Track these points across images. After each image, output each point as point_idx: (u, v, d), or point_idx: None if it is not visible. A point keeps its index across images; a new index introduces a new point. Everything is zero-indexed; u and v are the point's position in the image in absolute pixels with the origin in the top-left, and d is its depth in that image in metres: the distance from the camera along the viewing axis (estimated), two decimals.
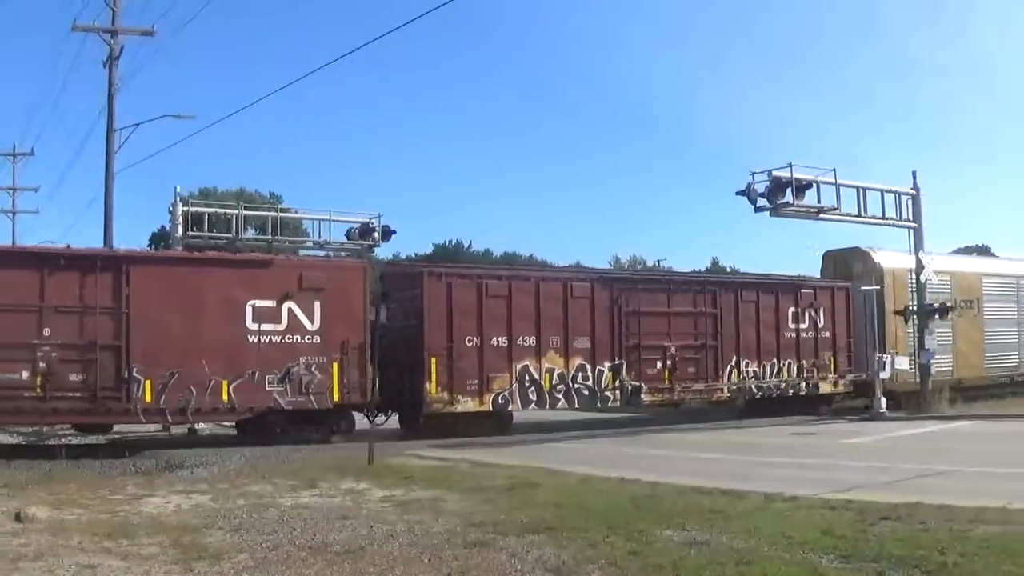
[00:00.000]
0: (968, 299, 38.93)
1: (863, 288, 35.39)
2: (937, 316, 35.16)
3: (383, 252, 40.06)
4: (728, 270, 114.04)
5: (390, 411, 28.75)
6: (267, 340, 26.02)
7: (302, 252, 40.68)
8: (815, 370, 34.70)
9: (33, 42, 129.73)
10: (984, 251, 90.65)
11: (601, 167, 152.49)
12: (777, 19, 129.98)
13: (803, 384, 34.41)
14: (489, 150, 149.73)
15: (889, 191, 34.33)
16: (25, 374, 23.41)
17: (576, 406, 30.48)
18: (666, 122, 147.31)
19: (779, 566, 9.84)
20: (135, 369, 24.41)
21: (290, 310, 26.35)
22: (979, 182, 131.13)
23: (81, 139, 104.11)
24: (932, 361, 34.77)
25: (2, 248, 28.46)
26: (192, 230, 36.99)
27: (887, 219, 34.30)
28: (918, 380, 34.81)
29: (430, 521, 13.20)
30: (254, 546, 11.53)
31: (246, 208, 40.95)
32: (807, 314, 34.78)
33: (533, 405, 29.62)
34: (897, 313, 35.52)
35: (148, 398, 24.60)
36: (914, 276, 35.44)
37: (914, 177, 35.13)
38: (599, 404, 31.22)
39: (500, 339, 28.98)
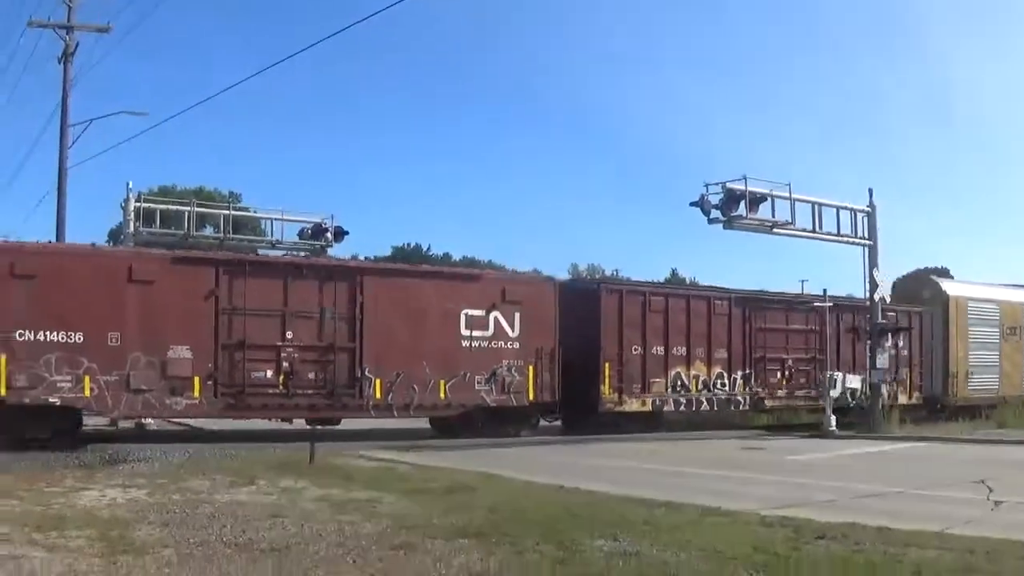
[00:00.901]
0: (1013, 326, 43.27)
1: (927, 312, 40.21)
2: (890, 336, 35.80)
3: (337, 252, 39.98)
4: (687, 281, 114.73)
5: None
6: (477, 345, 29.67)
7: (260, 251, 40.60)
8: (895, 384, 38.40)
9: None
10: (943, 273, 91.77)
11: (558, 176, 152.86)
12: (733, 37, 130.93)
13: (887, 396, 36.71)
14: (447, 155, 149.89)
15: (845, 208, 34.61)
16: (270, 373, 26.74)
17: (714, 408, 34.54)
18: (622, 135, 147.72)
19: None
20: (367, 369, 27.91)
21: (496, 319, 29.98)
22: (936, 205, 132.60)
23: (36, 135, 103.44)
24: (881, 381, 35.49)
25: (254, 258, 31.57)
26: (149, 226, 36.89)
27: (842, 236, 34.55)
28: (993, 395, 38.87)
29: (361, 522, 13.23)
30: (181, 541, 11.54)
31: (199, 205, 40.81)
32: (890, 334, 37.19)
33: (683, 407, 33.75)
34: (848, 332, 36.71)
35: (378, 395, 28.12)
36: (971, 303, 36.98)
37: (870, 195, 35.47)
38: (732, 408, 35.27)
39: (658, 348, 33.07)
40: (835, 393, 33.61)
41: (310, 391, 27.29)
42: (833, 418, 33.36)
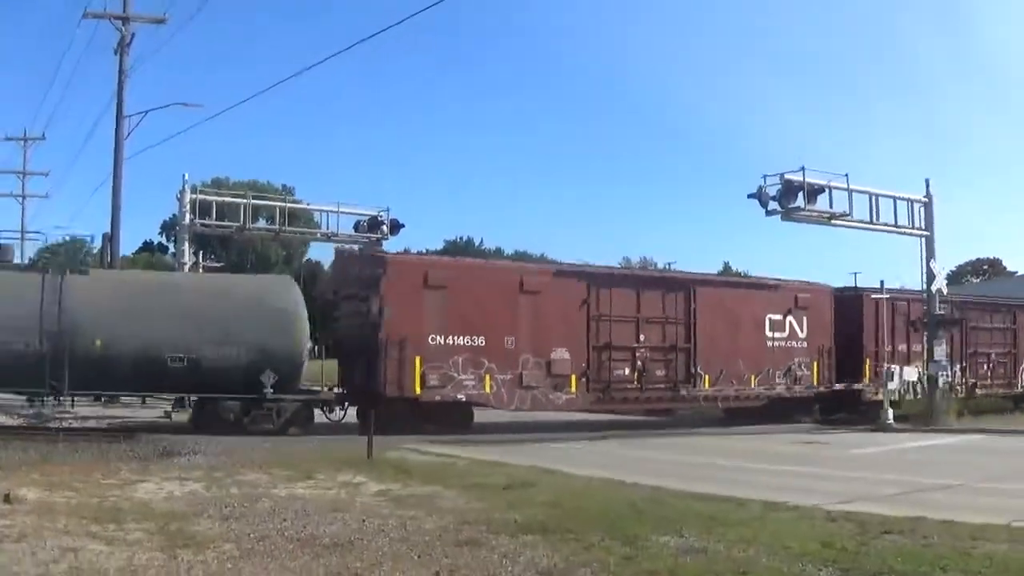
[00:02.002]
0: None
1: None
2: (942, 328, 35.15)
3: (392, 245, 39.85)
4: (740, 274, 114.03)
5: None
6: (777, 345, 33.85)
7: (311, 244, 40.56)
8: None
9: (45, 28, 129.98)
10: (995, 264, 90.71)
11: (610, 168, 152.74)
12: (792, 26, 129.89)
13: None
14: (499, 148, 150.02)
15: (902, 198, 34.09)
16: (627, 370, 30.95)
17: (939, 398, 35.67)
18: (678, 125, 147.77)
19: None
20: (699, 366, 32.00)
21: (790, 322, 34.08)
22: (992, 195, 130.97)
23: (91, 126, 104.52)
24: (939, 373, 34.69)
25: (617, 271, 35.83)
26: (204, 219, 36.88)
27: (899, 227, 34.04)
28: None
29: (423, 517, 12.98)
30: (241, 536, 11.33)
31: (255, 198, 40.68)
32: None
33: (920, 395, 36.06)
34: (911, 324, 35.99)
35: (707, 388, 32.20)
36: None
37: (927, 185, 34.90)
38: (953, 395, 36.71)
39: (901, 345, 36.60)
40: (893, 385, 33.84)
41: (660, 385, 31.68)
42: (891, 411, 33.24)
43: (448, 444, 23.84)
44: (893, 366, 34.19)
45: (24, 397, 27.30)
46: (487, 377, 28.22)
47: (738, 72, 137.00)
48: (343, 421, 27.93)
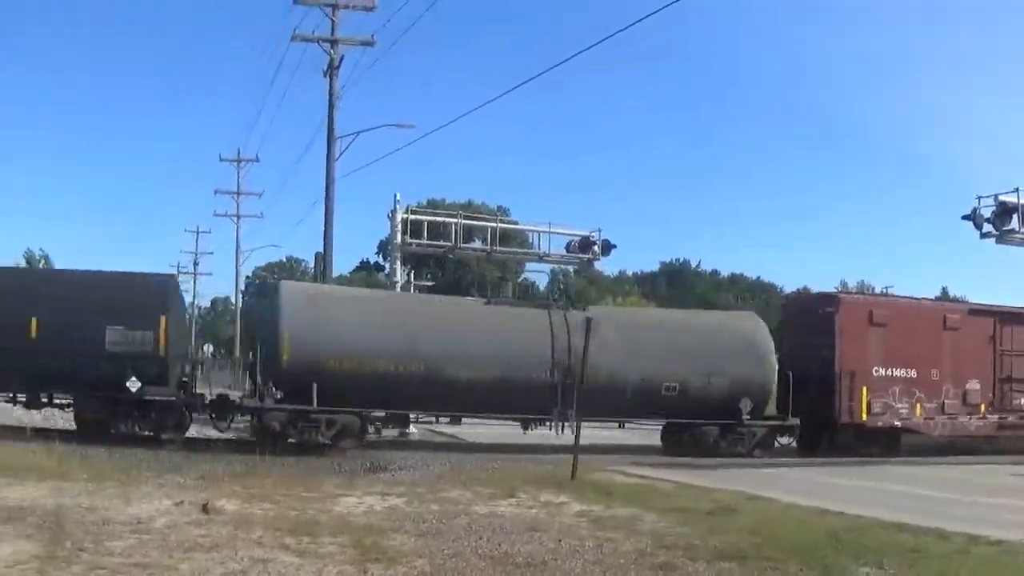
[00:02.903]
0: None
1: None
2: None
3: (605, 266, 39.63)
4: (958, 299, 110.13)
5: None
6: None
7: (526, 264, 40.60)
8: None
9: (258, 51, 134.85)
10: None
11: (830, 194, 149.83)
12: (1008, 40, 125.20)
13: None
14: (715, 172, 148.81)
15: None
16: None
17: None
18: (896, 147, 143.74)
19: None
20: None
21: None
22: None
23: (303, 147, 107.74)
24: None
25: (1016, 310, 33.85)
26: (417, 238, 37.24)
27: None
28: None
29: (621, 540, 12.61)
30: (435, 552, 11.18)
31: (465, 217, 40.85)
32: None
33: None
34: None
35: None
36: None
37: None
38: None
39: None
40: None
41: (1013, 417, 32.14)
42: None
43: (654, 467, 23.36)
44: None
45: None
46: (917, 405, 30.56)
47: (955, 92, 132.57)
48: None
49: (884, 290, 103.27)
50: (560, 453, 22.87)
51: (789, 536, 13.19)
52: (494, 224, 42.03)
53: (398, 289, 36.20)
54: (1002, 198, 29.11)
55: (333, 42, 36.38)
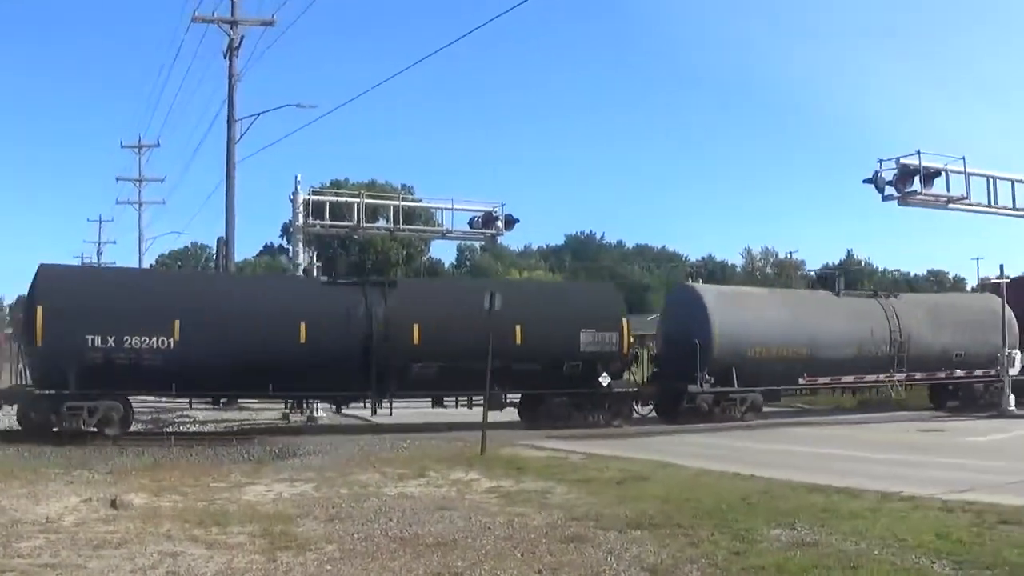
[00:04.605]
0: None
1: None
2: None
3: (508, 240, 39.60)
4: (862, 263, 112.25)
5: None
6: None
7: (430, 241, 40.41)
8: None
9: (156, 36, 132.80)
10: None
11: (731, 160, 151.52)
12: (909, 10, 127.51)
13: None
14: (616, 143, 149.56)
15: (1020, 181, 32.84)
16: None
17: None
18: (796, 113, 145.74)
19: (888, 571, 9.18)
20: None
21: None
22: None
23: (204, 130, 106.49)
24: None
25: None
26: (320, 219, 36.92)
27: (1018, 209, 32.82)
28: None
29: (532, 514, 12.75)
30: (344, 537, 11.21)
31: (369, 197, 40.63)
32: None
33: None
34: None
35: None
36: None
37: None
38: None
39: None
40: (1014, 371, 32.58)
41: None
42: (1012, 397, 32.25)
43: (564, 440, 23.56)
44: (1015, 351, 33.05)
45: None
46: None
47: (856, 54, 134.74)
48: None
49: (788, 255, 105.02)
50: (469, 430, 22.99)
51: (701, 502, 13.46)
52: (397, 203, 41.81)
53: (300, 272, 35.82)
54: (903, 160, 29.57)
55: (233, 23, 36.02)
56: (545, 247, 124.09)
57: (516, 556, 10.11)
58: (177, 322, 24.07)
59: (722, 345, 30.28)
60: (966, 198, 31.01)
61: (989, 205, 31.98)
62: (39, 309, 23.34)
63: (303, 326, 25.18)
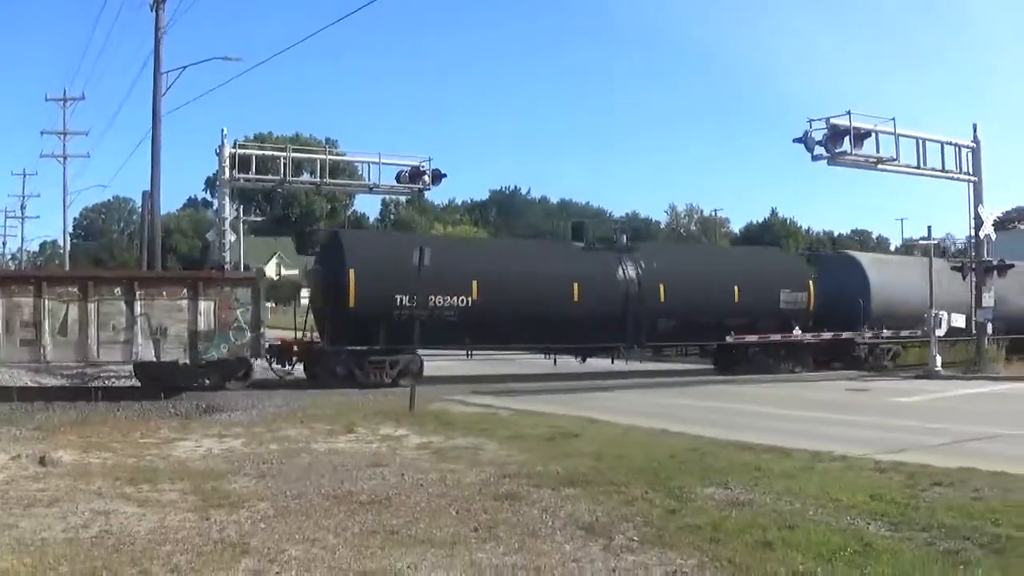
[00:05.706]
0: None
1: None
2: (996, 274, 34.21)
3: (435, 195, 39.49)
4: (787, 222, 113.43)
5: None
6: None
7: (356, 196, 40.16)
8: None
9: None
10: None
11: (657, 118, 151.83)
12: None
13: None
14: (542, 98, 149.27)
15: (949, 143, 33.52)
16: None
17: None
18: (724, 72, 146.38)
19: (824, 532, 9.22)
20: None
21: None
22: None
23: (130, 84, 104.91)
24: (987, 320, 34.05)
25: None
26: (245, 173, 36.54)
27: (946, 171, 33.42)
28: None
29: (464, 471, 12.78)
30: (277, 494, 11.15)
31: (295, 150, 40.26)
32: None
33: None
34: (954, 268, 34.84)
35: None
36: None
37: (974, 130, 34.43)
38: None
39: None
40: (940, 332, 32.83)
41: None
42: (939, 358, 32.63)
43: (491, 395, 23.65)
44: (941, 312, 33.15)
45: None
46: None
47: (783, 15, 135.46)
48: None
49: (712, 212, 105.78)
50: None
51: (633, 459, 13.56)
52: (323, 156, 41.44)
53: (227, 226, 35.50)
54: (834, 121, 29.90)
55: None
56: (470, 201, 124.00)
57: (451, 513, 10.11)
58: (475, 282, 27.80)
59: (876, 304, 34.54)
60: (895, 159, 31.51)
61: (918, 167, 32.56)
62: (352, 273, 26.32)
63: (576, 286, 29.46)
